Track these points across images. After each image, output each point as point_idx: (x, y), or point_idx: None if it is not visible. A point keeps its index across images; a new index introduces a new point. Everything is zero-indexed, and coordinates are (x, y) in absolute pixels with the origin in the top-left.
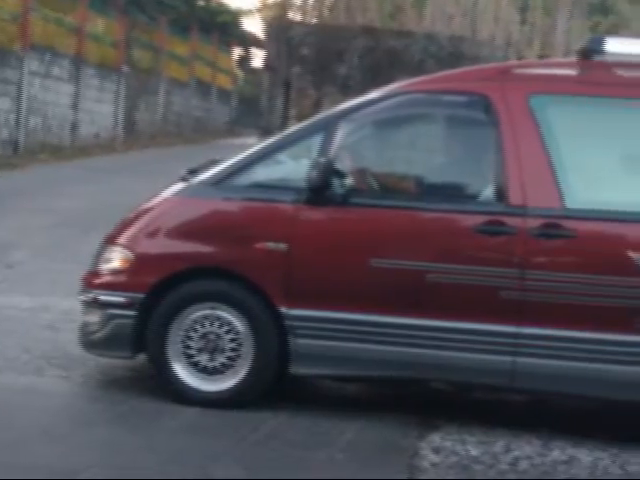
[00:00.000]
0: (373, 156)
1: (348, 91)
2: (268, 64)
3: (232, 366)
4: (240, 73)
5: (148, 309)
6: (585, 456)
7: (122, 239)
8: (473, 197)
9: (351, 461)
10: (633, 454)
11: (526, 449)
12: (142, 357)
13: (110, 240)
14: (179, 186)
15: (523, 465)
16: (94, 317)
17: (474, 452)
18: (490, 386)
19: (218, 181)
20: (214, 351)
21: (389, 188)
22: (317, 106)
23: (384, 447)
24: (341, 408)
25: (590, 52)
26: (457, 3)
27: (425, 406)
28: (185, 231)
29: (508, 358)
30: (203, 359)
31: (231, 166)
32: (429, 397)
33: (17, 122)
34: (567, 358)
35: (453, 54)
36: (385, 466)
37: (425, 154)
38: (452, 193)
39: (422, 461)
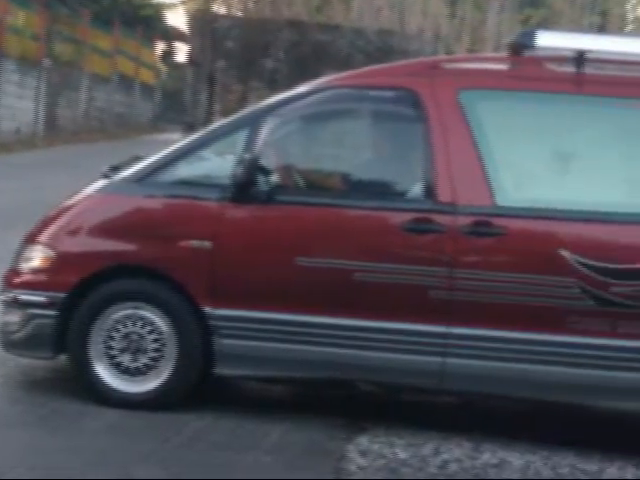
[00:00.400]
0: (299, 152)
1: (274, 85)
2: (192, 58)
3: (155, 367)
4: (164, 68)
5: (69, 309)
6: (516, 459)
7: (43, 237)
8: (401, 194)
9: (277, 464)
10: (564, 456)
11: (456, 452)
12: (63, 358)
13: (31, 238)
14: (101, 183)
15: (452, 468)
16: (14, 317)
17: (402, 455)
18: (419, 387)
19: (141, 178)
20: (137, 352)
21: (316, 185)
22: (242, 101)
23: (310, 450)
24: (267, 410)
25: (521, 46)
26: None
27: (352, 408)
28: (107, 229)
29: (437, 359)
30: (126, 360)
31: (154, 163)
32: (356, 399)
33: None
34: (497, 359)
35: (381, 48)
36: (311, 469)
37: (352, 150)
38: (380, 190)
39: (349, 464)
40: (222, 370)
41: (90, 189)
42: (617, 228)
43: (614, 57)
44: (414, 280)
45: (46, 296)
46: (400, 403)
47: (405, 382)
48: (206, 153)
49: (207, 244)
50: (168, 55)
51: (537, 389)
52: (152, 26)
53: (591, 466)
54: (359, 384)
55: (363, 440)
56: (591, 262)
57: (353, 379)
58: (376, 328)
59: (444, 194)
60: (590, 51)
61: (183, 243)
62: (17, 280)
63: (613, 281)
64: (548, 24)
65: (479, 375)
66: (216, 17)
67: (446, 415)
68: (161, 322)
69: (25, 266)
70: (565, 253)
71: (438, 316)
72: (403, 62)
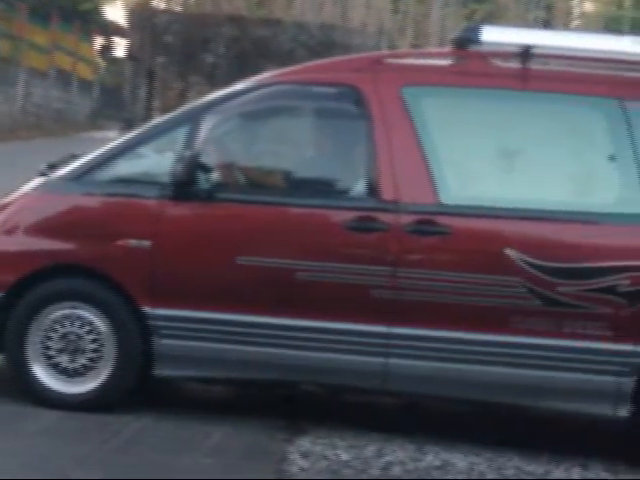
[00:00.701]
0: (241, 150)
1: (214, 81)
2: (131, 53)
3: (94, 368)
4: (102, 63)
5: (6, 309)
6: (460, 461)
7: None
8: (344, 192)
9: (217, 466)
10: (509, 458)
11: (399, 454)
12: (0, 358)
13: None
14: (38, 181)
15: (395, 470)
16: None
17: (345, 457)
18: (362, 388)
19: (79, 176)
20: (75, 352)
21: (257, 183)
22: (182, 97)
23: (251, 452)
24: (207, 411)
25: (465, 41)
26: None
27: (294, 409)
28: (44, 228)
29: (380, 359)
30: (64, 360)
31: (92, 160)
32: (298, 400)
33: None
34: (442, 359)
35: (324, 43)
36: (252, 471)
37: (295, 148)
38: (322, 188)
39: (290, 466)
40: (162, 371)
41: (27, 187)
42: (563, 227)
43: (560, 52)
44: (357, 279)
45: None
46: (342, 404)
47: (348, 383)
48: (145, 150)
49: (146, 243)
50: (107, 50)
51: (482, 390)
52: (90, 20)
53: (537, 468)
54: (301, 385)
55: (305, 442)
56: (537, 261)
57: (295, 380)
58: (318, 328)
59: (387, 192)
60: (535, 46)
61: (121, 242)
62: None
63: (559, 280)
64: (493, 19)
65: (423, 376)
66: (155, 12)
67: (388, 416)
68: (100, 322)
69: None
70: (510, 252)
71: (381, 316)
72: (346, 57)
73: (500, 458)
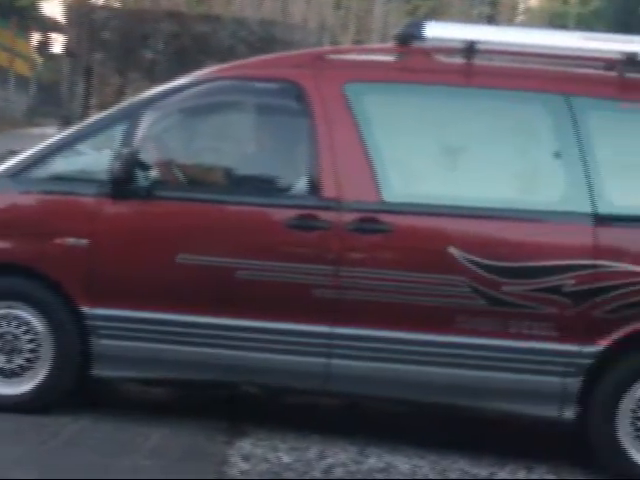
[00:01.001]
0: (180, 147)
1: (153, 78)
2: (69, 49)
3: (31, 368)
4: (39, 59)
5: None
6: (403, 463)
7: None
8: (285, 190)
9: (156, 468)
10: (453, 460)
11: (341, 456)
12: None
13: None
14: None
15: (338, 473)
16: None
17: (286, 459)
18: (302, 389)
19: (15, 173)
20: (12, 352)
21: (197, 180)
22: (120, 94)
23: (191, 454)
24: (146, 413)
25: (408, 37)
26: None
27: (234, 411)
28: None
29: (322, 360)
30: (0, 361)
31: (29, 157)
32: (239, 401)
33: None
34: (385, 360)
35: (264, 39)
36: (192, 473)
37: (235, 145)
38: (263, 186)
39: (231, 469)
40: (100, 372)
41: None
42: (507, 225)
43: (504, 48)
44: (298, 279)
45: None
46: (283, 406)
47: (289, 384)
48: (83, 147)
49: (84, 241)
50: (44, 46)
51: (427, 391)
52: (27, 16)
53: (481, 470)
54: (241, 386)
55: (245, 444)
56: (480, 260)
57: (235, 381)
58: (259, 328)
59: (329, 190)
60: (480, 42)
61: (59, 240)
62: None
63: (503, 280)
64: (436, 15)
65: (365, 377)
66: (93, 8)
67: (330, 418)
68: (37, 322)
69: None
70: (454, 251)
71: (323, 316)
72: (287, 53)
73: (444, 460)
